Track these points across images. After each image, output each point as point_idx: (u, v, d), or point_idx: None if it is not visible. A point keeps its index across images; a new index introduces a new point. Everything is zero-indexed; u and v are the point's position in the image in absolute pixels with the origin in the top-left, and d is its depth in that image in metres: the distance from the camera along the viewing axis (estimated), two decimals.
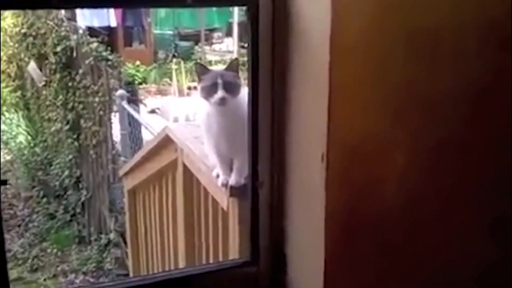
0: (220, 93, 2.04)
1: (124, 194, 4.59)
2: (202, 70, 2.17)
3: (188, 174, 2.87)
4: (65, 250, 6.32)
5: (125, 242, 5.17)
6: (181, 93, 13.46)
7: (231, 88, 2.06)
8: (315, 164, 1.24)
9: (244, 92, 2.02)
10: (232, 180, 2.21)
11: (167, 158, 3.19)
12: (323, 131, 1.21)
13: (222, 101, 2.05)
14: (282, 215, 1.45)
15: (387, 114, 1.27)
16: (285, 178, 1.43)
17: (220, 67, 15.18)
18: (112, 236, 5.70)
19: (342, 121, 1.22)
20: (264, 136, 1.43)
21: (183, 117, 11.17)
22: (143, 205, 4.04)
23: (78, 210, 6.65)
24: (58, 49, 6.45)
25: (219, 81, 2.05)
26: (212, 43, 17.31)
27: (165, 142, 3.14)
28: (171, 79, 14.00)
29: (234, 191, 2.23)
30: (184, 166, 2.89)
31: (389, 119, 1.27)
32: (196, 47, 16.10)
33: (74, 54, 6.33)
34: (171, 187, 3.25)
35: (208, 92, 2.07)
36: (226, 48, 17.30)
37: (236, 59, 2.37)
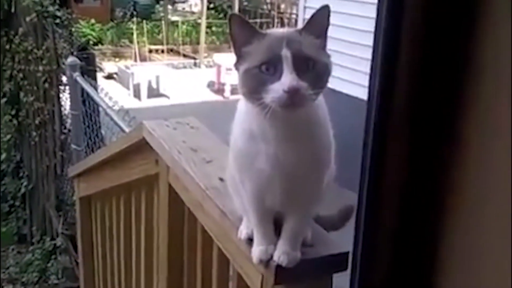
0: (288, 79, 0.87)
1: (74, 190, 3.49)
2: (244, 29, 0.94)
3: (177, 203, 1.80)
4: (2, 251, 5.15)
5: (75, 248, 4.03)
6: (142, 56, 12.30)
7: (313, 72, 0.90)
8: None
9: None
10: (281, 255, 1.08)
11: (142, 170, 2.16)
12: None
13: (292, 98, 0.87)
14: None
15: None
16: None
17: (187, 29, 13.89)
18: (59, 241, 4.54)
19: None
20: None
21: (145, 84, 10.09)
22: (101, 220, 3.00)
23: (17, 202, 5.46)
24: None
25: (286, 53, 0.89)
26: (174, 2, 16.10)
27: (140, 147, 2.07)
28: (129, 40, 12.87)
29: (283, 275, 1.11)
30: (171, 189, 1.83)
31: None
32: (157, 6, 14.97)
33: (13, 9, 5.02)
34: (146, 209, 2.21)
35: (259, 80, 0.90)
36: (189, 9, 16.23)
37: (326, 6, 0.91)
